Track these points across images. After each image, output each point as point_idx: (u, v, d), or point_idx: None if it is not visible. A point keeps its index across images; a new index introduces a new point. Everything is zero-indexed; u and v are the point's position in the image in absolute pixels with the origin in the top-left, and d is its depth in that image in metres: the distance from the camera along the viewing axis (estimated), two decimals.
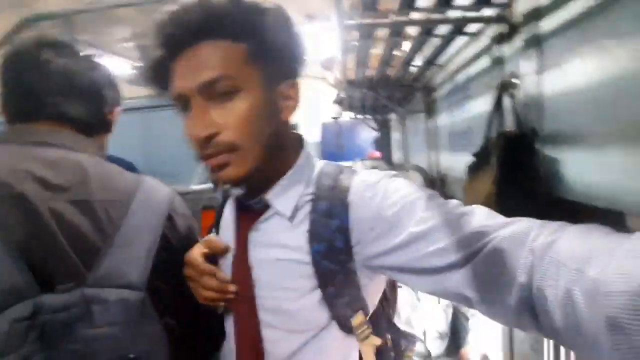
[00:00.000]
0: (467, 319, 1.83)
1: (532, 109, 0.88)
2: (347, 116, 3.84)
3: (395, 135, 3.59)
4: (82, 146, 0.57)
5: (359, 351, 0.50)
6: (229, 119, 0.44)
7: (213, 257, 0.56)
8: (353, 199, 0.48)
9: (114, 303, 0.45)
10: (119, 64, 3.17)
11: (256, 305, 0.51)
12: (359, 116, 3.63)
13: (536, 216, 0.78)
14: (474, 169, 1.03)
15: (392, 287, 0.64)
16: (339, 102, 3.19)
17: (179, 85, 0.45)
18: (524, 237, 0.34)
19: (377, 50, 1.63)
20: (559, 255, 0.30)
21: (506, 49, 1.02)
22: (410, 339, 0.67)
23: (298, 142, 0.55)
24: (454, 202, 0.44)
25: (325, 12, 3.21)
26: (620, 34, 0.60)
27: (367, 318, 0.50)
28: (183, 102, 0.46)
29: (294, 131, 0.55)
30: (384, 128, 4.12)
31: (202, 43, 0.44)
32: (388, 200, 0.45)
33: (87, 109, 0.60)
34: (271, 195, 0.51)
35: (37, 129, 0.55)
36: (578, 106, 0.72)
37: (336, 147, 4.32)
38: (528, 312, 0.33)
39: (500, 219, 0.39)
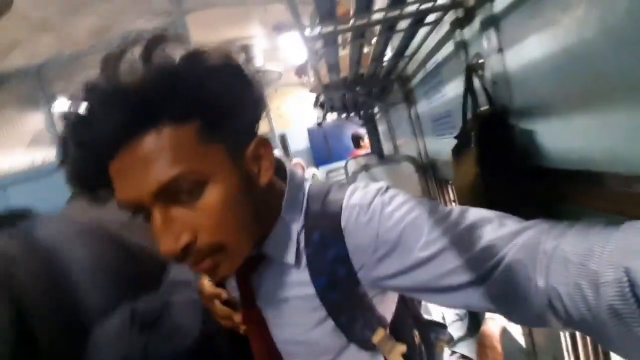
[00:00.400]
0: None
1: (500, 87, 0.91)
2: (331, 118, 3.87)
3: (382, 128, 3.63)
4: None
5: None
6: (203, 219, 0.37)
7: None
8: (347, 225, 0.45)
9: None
10: None
11: (273, 340, 0.52)
12: (342, 116, 3.66)
13: (522, 187, 0.81)
14: (458, 151, 1.05)
15: None
16: (320, 105, 3.22)
17: (125, 196, 0.37)
18: (536, 244, 0.34)
19: (346, 51, 1.66)
20: (564, 253, 0.32)
21: (466, 32, 1.05)
22: (438, 329, 0.67)
23: (281, 182, 0.51)
24: (456, 211, 0.41)
25: (289, 20, 3.25)
26: (565, 4, 0.63)
27: (388, 330, 0.49)
28: (138, 211, 0.38)
29: (274, 167, 0.47)
30: (369, 122, 4.15)
31: (141, 137, 0.35)
32: (387, 222, 0.43)
33: None
34: (269, 249, 0.48)
35: None
36: (541, 78, 0.75)
37: (324, 150, 4.32)
38: (549, 311, 0.34)
39: (508, 225, 0.38)
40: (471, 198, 0.96)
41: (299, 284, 0.49)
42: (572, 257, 0.31)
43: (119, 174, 0.36)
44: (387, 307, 0.51)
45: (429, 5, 0.97)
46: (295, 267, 0.49)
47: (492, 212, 0.41)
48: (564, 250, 0.32)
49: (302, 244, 0.48)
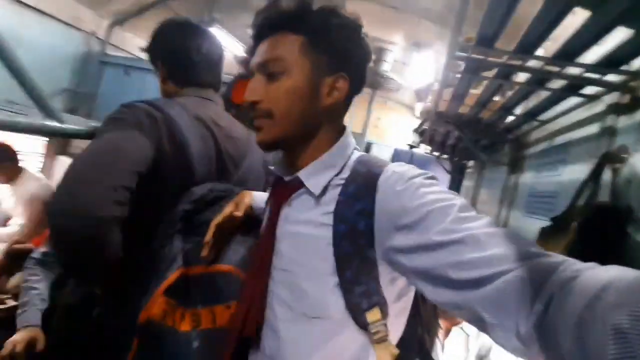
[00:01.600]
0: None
1: (634, 189, 0.81)
2: (423, 149, 3.77)
3: (467, 184, 3.43)
4: (220, 103, 0.85)
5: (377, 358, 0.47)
6: (270, 93, 0.53)
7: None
8: (382, 185, 0.48)
9: None
10: (236, 46, 3.55)
11: (270, 275, 0.54)
12: (435, 153, 3.54)
13: None
14: (548, 234, 0.96)
15: (424, 298, 0.58)
16: (420, 132, 3.16)
17: (251, 62, 0.56)
18: (552, 269, 0.33)
19: (477, 91, 1.61)
20: (578, 285, 0.30)
21: (622, 120, 0.94)
22: None
23: (340, 131, 0.58)
24: (487, 218, 0.42)
25: (432, 41, 3.22)
26: None
27: (384, 318, 0.47)
28: (253, 75, 0.57)
29: (339, 123, 0.58)
30: (457, 172, 3.95)
31: (274, 34, 0.54)
32: (418, 199, 0.44)
33: (220, 78, 0.89)
34: (303, 174, 0.54)
35: (206, 91, 0.83)
36: None
37: None
38: (538, 340, 0.32)
39: (534, 248, 0.37)
40: None
41: (318, 226, 0.51)
42: (584, 289, 0.29)
43: (258, 50, 0.55)
44: (392, 298, 0.50)
45: (596, 76, 0.89)
46: (321, 206, 0.52)
47: (521, 235, 0.40)
48: (579, 282, 0.30)
49: (336, 190, 0.52)
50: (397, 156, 5.43)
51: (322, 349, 0.50)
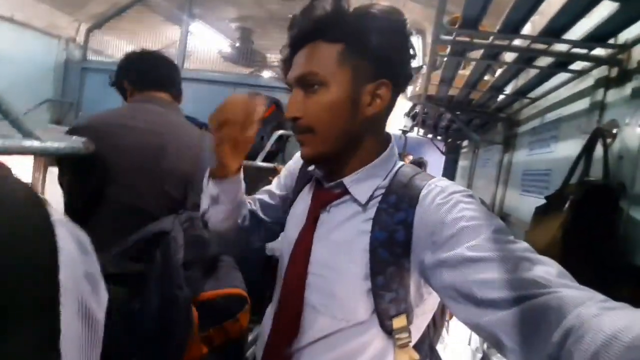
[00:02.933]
0: None
1: (626, 164, 0.80)
2: (416, 133, 3.75)
3: (462, 164, 3.43)
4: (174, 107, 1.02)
5: None
6: (310, 108, 0.51)
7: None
8: (423, 199, 0.48)
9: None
10: (220, 40, 3.49)
11: (305, 281, 0.53)
12: (428, 135, 3.53)
13: (600, 278, 0.72)
14: (543, 212, 0.96)
15: (442, 313, 0.62)
16: (412, 116, 3.14)
17: (288, 75, 0.55)
18: (579, 302, 0.32)
19: (465, 72, 1.59)
20: (600, 324, 0.29)
21: (611, 94, 0.93)
22: None
23: (384, 140, 0.57)
24: (524, 244, 0.41)
25: (418, 23, 3.17)
26: None
27: (409, 325, 0.49)
28: (291, 88, 0.55)
29: (383, 129, 0.57)
30: (452, 153, 3.95)
31: (310, 44, 0.52)
32: (456, 213, 0.44)
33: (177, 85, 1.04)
34: (349, 181, 0.54)
35: (159, 96, 0.99)
36: None
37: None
38: None
39: (567, 279, 0.36)
40: None
41: (357, 233, 0.51)
42: (605, 329, 0.28)
43: (294, 62, 0.54)
44: (418, 309, 0.50)
45: (584, 51, 0.88)
46: (362, 213, 0.52)
47: (558, 265, 0.38)
48: (602, 321, 0.29)
49: (377, 198, 0.52)
50: None
51: (344, 347, 0.51)
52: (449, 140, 3.43)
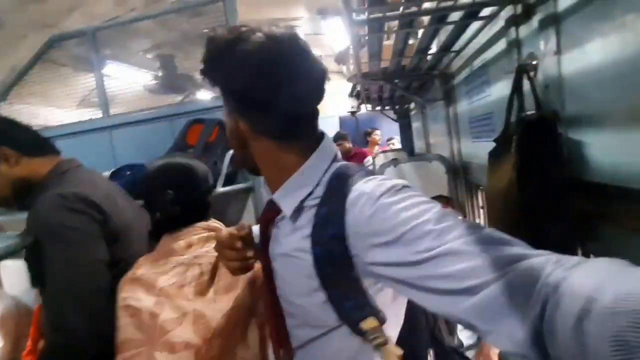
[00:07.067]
0: None
1: (552, 91, 0.86)
2: (365, 110, 3.81)
3: (416, 125, 3.54)
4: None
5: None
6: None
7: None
8: (350, 209, 0.47)
9: None
10: (139, 74, 3.31)
11: (276, 294, 0.57)
12: (377, 108, 3.60)
13: (561, 199, 0.77)
14: (496, 155, 1.01)
15: None
16: (356, 95, 3.18)
17: None
18: (539, 272, 0.33)
19: (390, 42, 1.62)
20: (572, 286, 0.30)
21: (522, 31, 0.99)
22: (456, 357, 0.66)
23: (313, 142, 0.55)
24: (468, 223, 0.41)
25: (335, 4, 3.20)
26: (636, 10, 0.57)
27: (381, 324, 0.48)
28: None
29: (304, 134, 0.55)
30: (403, 118, 4.05)
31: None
32: (391, 219, 0.43)
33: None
34: (277, 196, 0.55)
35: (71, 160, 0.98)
36: (601, 85, 0.69)
37: (355, 140, 4.31)
38: (536, 345, 0.32)
39: (515, 249, 0.37)
40: (502, 204, 0.92)
41: (299, 249, 0.51)
42: (579, 290, 0.29)
43: None
44: (385, 302, 0.50)
45: None
46: (299, 229, 0.52)
47: (503, 234, 0.39)
48: (571, 283, 0.30)
49: (311, 211, 0.51)
50: (343, 123, 5.49)
51: (328, 350, 0.52)
52: (397, 107, 3.52)
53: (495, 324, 0.35)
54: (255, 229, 0.69)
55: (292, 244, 0.53)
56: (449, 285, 0.37)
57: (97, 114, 2.16)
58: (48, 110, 2.29)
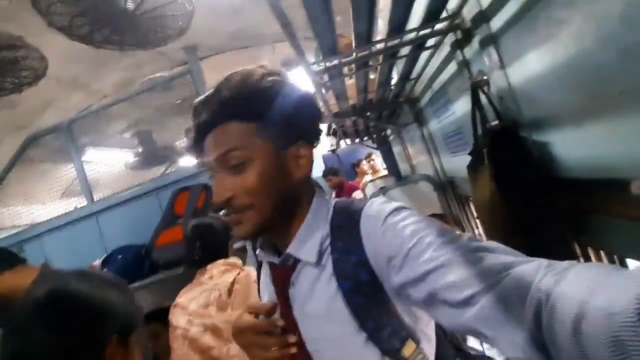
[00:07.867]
0: None
1: (507, 101, 0.92)
2: (345, 144, 3.92)
3: (397, 149, 3.63)
4: None
5: None
6: (241, 185, 0.51)
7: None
8: (365, 235, 0.50)
9: None
10: (120, 154, 3.37)
11: (311, 356, 0.53)
12: (356, 141, 3.71)
13: (540, 199, 0.79)
14: (473, 168, 1.05)
15: None
16: (333, 133, 3.28)
17: (205, 158, 0.55)
18: (531, 277, 0.34)
19: (352, 81, 1.72)
20: (565, 290, 0.31)
21: (467, 52, 1.07)
22: None
23: (311, 191, 0.57)
24: (463, 236, 0.44)
25: (292, 60, 3.39)
26: (559, 20, 0.64)
27: (418, 345, 0.49)
28: (211, 172, 0.55)
29: (308, 181, 0.57)
30: (383, 145, 4.17)
31: (220, 126, 0.52)
32: (399, 237, 0.46)
33: None
34: (293, 249, 0.54)
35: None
36: (545, 90, 0.75)
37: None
38: (539, 350, 0.33)
39: (507, 257, 0.39)
40: (490, 213, 0.94)
41: (329, 296, 0.50)
42: (573, 294, 0.30)
43: (205, 146, 0.54)
44: (418, 322, 0.51)
45: (427, 30, 1.00)
46: (322, 272, 0.52)
47: (497, 244, 0.42)
48: (565, 287, 0.31)
49: (327, 251, 0.52)
50: (326, 160, 5.60)
51: None
52: (374, 136, 3.63)
53: (498, 330, 0.36)
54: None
55: (318, 292, 0.52)
56: (454, 295, 0.39)
57: (82, 201, 2.16)
58: (31, 208, 2.28)
